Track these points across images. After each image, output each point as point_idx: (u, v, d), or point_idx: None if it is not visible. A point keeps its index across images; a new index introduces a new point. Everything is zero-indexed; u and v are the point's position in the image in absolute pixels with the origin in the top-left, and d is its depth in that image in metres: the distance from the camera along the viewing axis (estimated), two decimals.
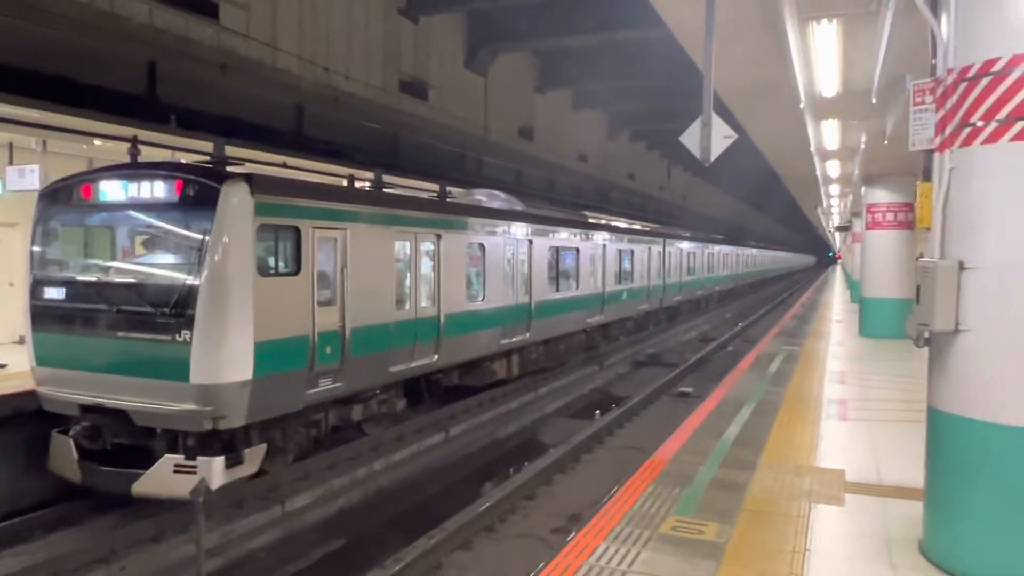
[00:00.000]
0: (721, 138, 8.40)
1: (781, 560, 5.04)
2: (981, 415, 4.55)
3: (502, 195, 15.79)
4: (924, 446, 5.15)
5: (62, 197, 8.73)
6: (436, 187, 14.01)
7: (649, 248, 23.58)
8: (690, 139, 8.52)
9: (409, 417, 11.85)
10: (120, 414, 7.97)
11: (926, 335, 4.83)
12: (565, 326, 16.86)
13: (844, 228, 35.05)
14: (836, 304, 30.31)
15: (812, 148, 15.82)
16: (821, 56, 8.72)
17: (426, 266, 11.47)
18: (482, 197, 15.31)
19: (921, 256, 5.55)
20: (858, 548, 5.30)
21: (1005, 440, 4.45)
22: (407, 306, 10.87)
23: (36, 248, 8.84)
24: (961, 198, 4.68)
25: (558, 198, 26.41)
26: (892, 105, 10.18)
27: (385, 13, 20.27)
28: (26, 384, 8.83)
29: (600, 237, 19.09)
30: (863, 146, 13.88)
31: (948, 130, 4.77)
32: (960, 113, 4.64)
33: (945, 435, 4.87)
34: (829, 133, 13.77)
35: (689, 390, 15.96)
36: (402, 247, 10.80)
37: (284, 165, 13.54)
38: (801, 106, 11.09)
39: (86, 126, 11.15)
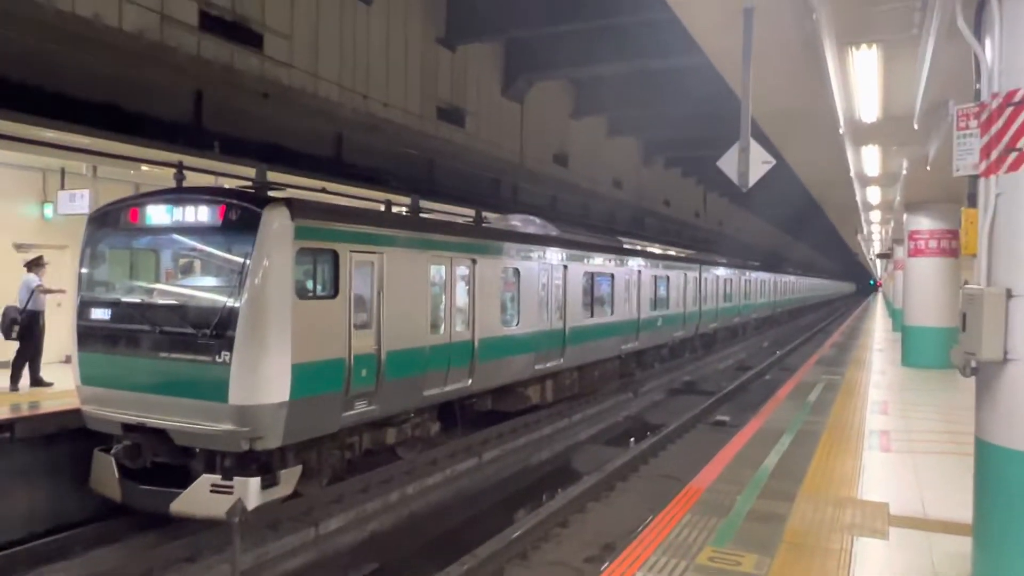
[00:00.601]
0: (759, 163, 8.34)
1: None
2: None
3: (537, 220, 15.85)
4: (971, 479, 4.98)
5: (110, 221, 8.98)
6: (472, 212, 14.12)
7: (685, 274, 23.39)
8: (727, 165, 8.47)
9: (443, 441, 11.84)
10: (160, 433, 8.10)
11: (973, 364, 4.70)
12: (600, 352, 16.75)
13: (885, 255, 34.42)
14: (877, 332, 29.67)
15: (852, 174, 15.60)
16: (860, 81, 8.63)
17: (461, 290, 11.52)
18: (517, 222, 15.38)
19: (966, 283, 5.42)
20: None
21: None
22: (442, 330, 10.92)
23: (84, 270, 9.09)
24: (1008, 224, 4.58)
25: (593, 224, 26.42)
26: (934, 131, 10.02)
27: (423, 41, 20.66)
28: (71, 403, 9.04)
29: (635, 263, 19.01)
30: (904, 172, 13.65)
31: (994, 155, 4.68)
32: (1006, 138, 4.55)
33: (994, 468, 4.71)
34: (869, 159, 13.58)
35: (726, 419, 15.70)
36: (438, 271, 10.88)
37: (323, 190, 13.80)
38: (840, 132, 10.97)
39: (134, 152, 11.52)
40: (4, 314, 10.22)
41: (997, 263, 4.67)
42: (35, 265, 10.66)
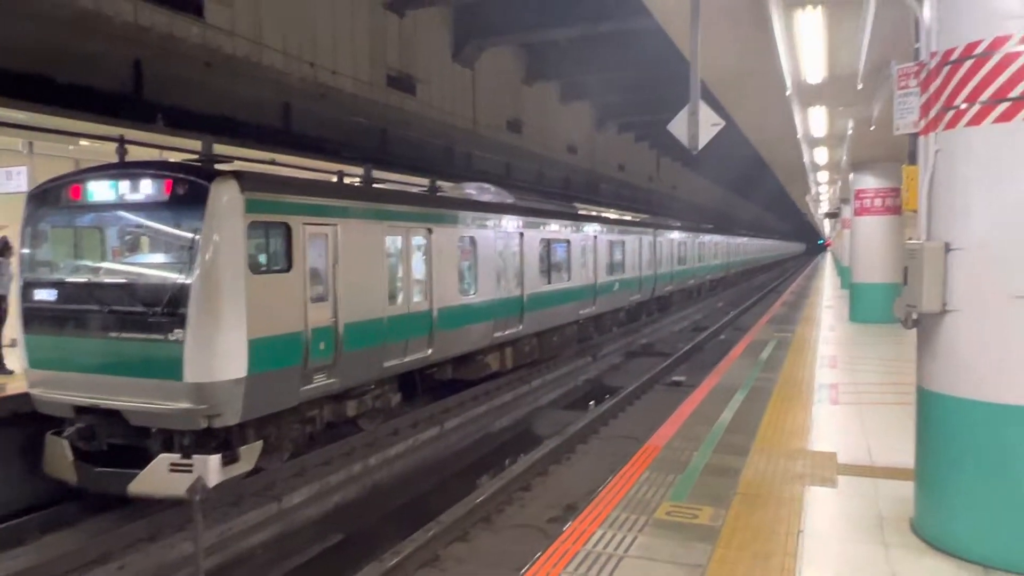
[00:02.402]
0: (708, 126, 8.45)
1: (775, 542, 5.10)
2: (969, 393, 4.62)
3: (492, 188, 15.80)
4: (914, 427, 5.22)
5: (50, 199, 8.68)
6: (426, 181, 14.00)
7: (640, 239, 23.63)
8: (678, 128, 8.56)
9: (404, 412, 11.88)
10: (114, 414, 7.95)
11: (914, 316, 4.89)
12: (558, 318, 16.90)
13: (833, 215, 35.23)
14: (826, 290, 30.49)
15: (799, 135, 15.88)
16: (806, 43, 8.76)
17: (418, 260, 11.47)
18: (472, 191, 15.31)
19: (909, 239, 5.60)
20: (851, 528, 5.37)
21: (993, 417, 4.52)
22: (400, 301, 10.88)
23: (25, 250, 8.79)
24: (946, 180, 4.74)
25: (548, 190, 26.44)
26: (878, 90, 10.24)
27: (371, 7, 20.20)
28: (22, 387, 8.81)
29: (591, 228, 19.13)
30: (850, 132, 13.96)
31: (932, 113, 4.82)
32: (944, 96, 4.69)
33: (934, 414, 4.93)
34: (816, 120, 13.83)
35: (682, 379, 16.04)
36: (393, 242, 10.81)
37: (273, 162, 13.51)
38: (788, 93, 11.14)
39: (72, 126, 11.09)
40: None
41: (936, 218, 4.84)
42: (4, 249, 10.24)
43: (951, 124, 4.65)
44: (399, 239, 10.93)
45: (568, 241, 17.46)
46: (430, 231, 11.61)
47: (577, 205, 21.76)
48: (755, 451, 7.26)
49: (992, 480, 4.56)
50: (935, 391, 4.88)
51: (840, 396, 9.78)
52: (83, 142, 11.74)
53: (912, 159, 5.65)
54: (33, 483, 8.64)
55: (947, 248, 4.69)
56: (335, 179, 11.74)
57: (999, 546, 4.56)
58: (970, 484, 4.67)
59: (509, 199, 15.60)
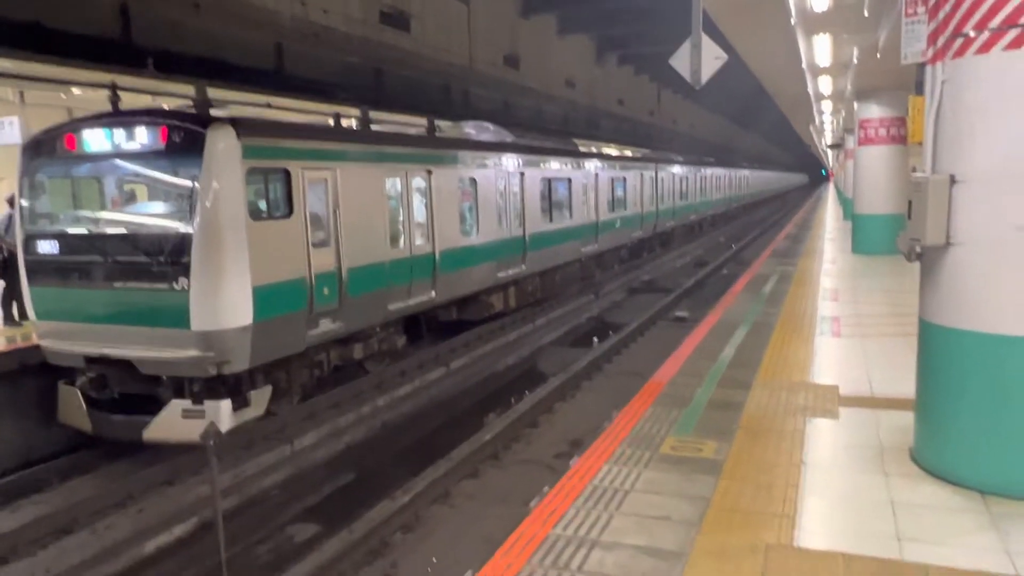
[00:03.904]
0: (711, 59, 8.27)
1: (777, 473, 5.22)
2: (970, 325, 4.65)
3: (491, 127, 15.59)
4: (915, 359, 5.27)
5: (46, 149, 8.59)
6: (424, 122, 13.81)
7: (641, 174, 23.43)
8: (680, 62, 8.38)
9: (410, 353, 12.00)
10: (125, 363, 8.06)
11: (918, 250, 4.89)
12: (560, 257, 16.91)
13: (836, 145, 34.83)
14: (829, 222, 30.37)
15: (803, 65, 15.57)
16: None
17: (418, 203, 11.42)
18: (471, 130, 15.12)
19: (914, 170, 5.55)
20: (852, 459, 5.49)
21: (994, 348, 4.57)
22: (402, 244, 10.88)
23: (24, 202, 8.75)
24: (953, 111, 4.67)
25: (548, 127, 26.06)
26: (884, 17, 9.99)
27: None
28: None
29: (592, 165, 18.95)
30: (855, 61, 13.67)
31: (940, 41, 4.71)
32: (953, 23, 4.58)
33: (935, 346, 4.99)
34: (821, 48, 13.53)
35: (685, 314, 16.14)
36: (393, 184, 10.73)
37: (268, 106, 13.32)
38: (792, 21, 10.87)
39: (62, 74, 10.90)
40: None
41: (942, 150, 4.79)
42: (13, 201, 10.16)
43: (959, 52, 4.56)
44: (398, 181, 10.85)
45: (569, 179, 17.32)
46: (430, 173, 11.51)
47: (577, 141, 21.49)
48: (757, 385, 7.36)
49: (991, 410, 4.64)
50: (937, 323, 4.91)
51: (842, 329, 9.85)
52: (75, 90, 11.56)
53: (919, 89, 5.55)
54: (48, 432, 8.81)
55: (952, 180, 4.65)
56: (332, 122, 11.58)
57: (995, 473, 4.68)
58: (969, 414, 4.75)
59: (508, 138, 15.41)
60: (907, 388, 5.70)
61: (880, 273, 14.67)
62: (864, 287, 13.35)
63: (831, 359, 8.40)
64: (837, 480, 5.15)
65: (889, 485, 4.97)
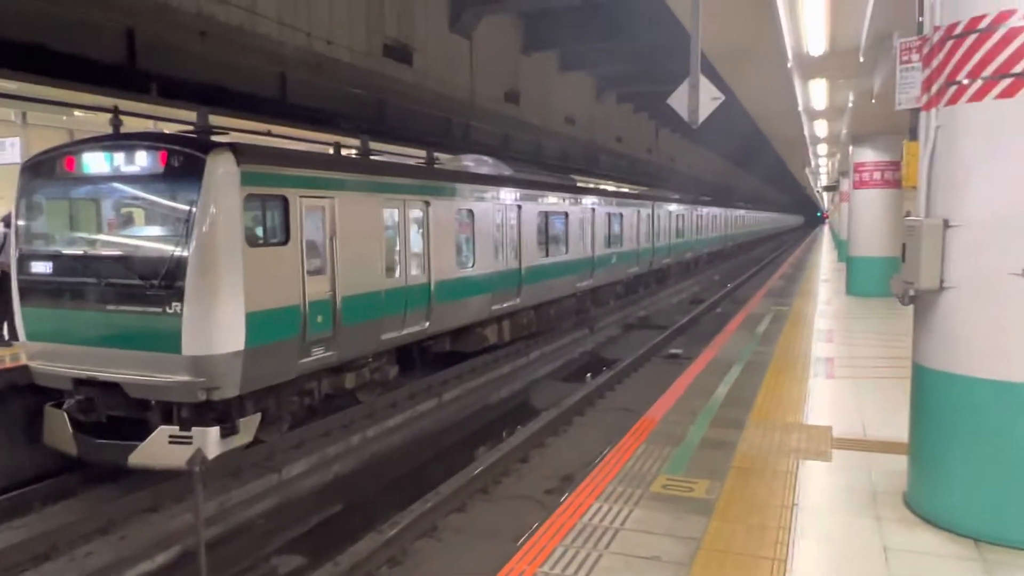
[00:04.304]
0: (709, 100, 8.38)
1: (770, 515, 5.16)
2: (963, 370, 4.64)
3: (490, 160, 15.70)
4: (909, 402, 5.25)
5: (45, 170, 8.61)
6: (423, 153, 13.91)
7: (638, 211, 23.57)
8: (678, 101, 8.49)
9: (402, 384, 11.93)
10: (113, 387, 7.99)
11: (911, 293, 4.90)
12: (555, 291, 16.92)
13: (832, 188, 35.14)
14: (824, 264, 30.52)
15: (800, 108, 15.79)
16: (808, 15, 8.67)
17: (415, 233, 11.44)
18: (470, 163, 15.22)
19: (908, 214, 5.59)
20: (845, 501, 5.44)
21: (986, 394, 4.55)
22: (397, 273, 10.88)
23: (20, 222, 8.75)
24: (946, 157, 4.72)
25: (546, 162, 26.27)
26: (879, 64, 10.16)
27: None
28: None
29: (589, 201, 19.07)
30: (850, 105, 13.87)
31: (934, 88, 4.78)
32: (946, 71, 4.65)
33: (929, 390, 4.97)
34: (817, 92, 13.74)
35: (679, 351, 16.11)
36: (391, 215, 10.77)
37: (269, 133, 13.40)
38: (788, 65, 11.05)
39: (65, 97, 10.97)
40: None
41: (936, 194, 4.83)
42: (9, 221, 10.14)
43: (953, 100, 4.62)
44: (396, 212, 10.88)
45: (566, 214, 17.41)
46: (427, 204, 11.56)
47: (575, 177, 21.65)
48: (751, 425, 7.32)
49: (985, 455, 4.61)
50: (931, 367, 4.90)
51: (836, 370, 9.83)
52: (77, 113, 11.63)
53: (913, 134, 5.61)
54: (33, 455, 8.69)
55: (946, 225, 4.68)
56: (332, 151, 11.65)
57: (991, 520, 4.63)
58: (963, 459, 4.72)
59: (507, 171, 15.52)
60: (901, 431, 5.68)
61: (874, 315, 14.71)
62: (859, 329, 13.37)
63: (825, 400, 8.37)
64: (830, 523, 5.10)
65: (882, 530, 4.91)
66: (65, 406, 8.26)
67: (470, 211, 12.95)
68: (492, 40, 26.21)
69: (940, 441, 4.87)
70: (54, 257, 8.50)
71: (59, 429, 8.27)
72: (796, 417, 7.61)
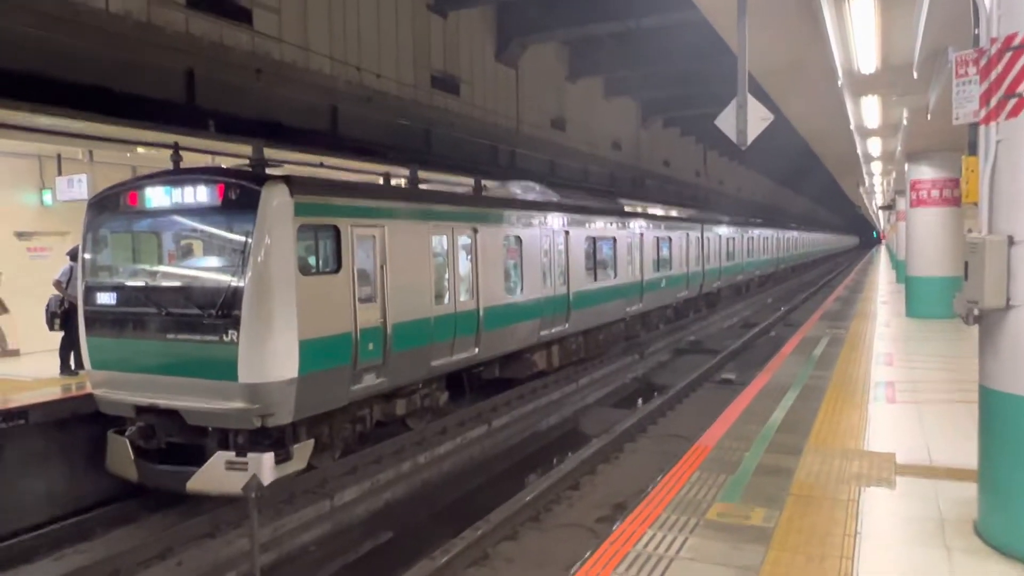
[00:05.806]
0: (757, 120, 8.29)
1: (831, 544, 4.98)
2: None
3: (537, 186, 15.78)
4: (975, 426, 5.04)
5: (110, 205, 8.98)
6: (471, 181, 14.06)
7: (687, 234, 23.34)
8: (725, 122, 8.42)
9: (452, 410, 11.95)
10: (173, 414, 8.20)
11: (976, 313, 4.72)
12: (604, 316, 16.81)
13: (888, 207, 34.27)
14: (881, 285, 29.67)
15: (852, 126, 15.46)
16: (858, 32, 8.52)
17: (464, 260, 11.54)
18: (517, 189, 15.32)
19: (970, 232, 5.42)
20: (911, 531, 5.21)
21: None
22: (446, 300, 10.96)
23: (87, 255, 9.11)
24: (1008, 171, 4.56)
25: (593, 187, 26.29)
26: (934, 79, 9.91)
27: (414, 9, 20.37)
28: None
29: (637, 225, 18.97)
30: (905, 122, 13.53)
31: (993, 101, 4.65)
32: (1005, 83, 4.51)
33: (998, 414, 4.76)
34: (869, 110, 13.44)
35: (732, 376, 15.79)
36: (439, 242, 10.89)
37: (321, 165, 13.74)
38: (839, 84, 10.86)
39: (129, 135, 11.46)
40: (47, 307, 10.35)
41: (998, 210, 4.67)
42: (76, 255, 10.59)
43: (1014, 112, 4.48)
44: (445, 239, 11.00)
45: (614, 238, 17.34)
46: (475, 231, 11.65)
47: (623, 201, 21.59)
48: (808, 451, 7.10)
49: None
50: (999, 390, 4.70)
51: (897, 394, 9.50)
52: (140, 149, 12.12)
53: (972, 149, 5.46)
54: (97, 481, 8.95)
55: (1010, 241, 4.52)
56: (382, 181, 11.87)
57: None
58: None
59: (554, 197, 15.57)
60: (968, 457, 5.44)
61: (936, 337, 14.20)
62: (920, 351, 12.91)
63: (886, 425, 8.08)
64: (895, 553, 4.89)
65: (952, 560, 4.69)
66: (127, 433, 8.50)
67: (518, 237, 13.00)
68: (537, 68, 26.51)
69: (1012, 467, 4.65)
70: (118, 288, 8.82)
71: (121, 455, 8.51)
72: (856, 443, 7.36)
